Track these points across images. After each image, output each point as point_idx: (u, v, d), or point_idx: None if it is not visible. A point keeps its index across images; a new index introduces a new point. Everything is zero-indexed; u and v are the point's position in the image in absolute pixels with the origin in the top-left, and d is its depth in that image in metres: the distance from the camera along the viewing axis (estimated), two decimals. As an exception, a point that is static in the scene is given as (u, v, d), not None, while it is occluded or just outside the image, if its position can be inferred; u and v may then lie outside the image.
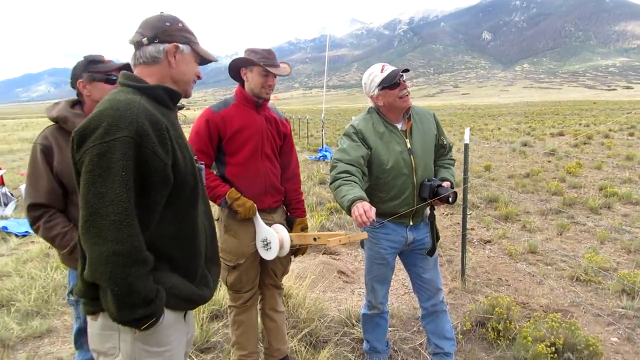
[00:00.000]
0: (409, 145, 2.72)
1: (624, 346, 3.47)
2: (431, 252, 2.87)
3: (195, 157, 1.76)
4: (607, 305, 4.05)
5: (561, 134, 22.58)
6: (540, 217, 7.21)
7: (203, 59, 1.76)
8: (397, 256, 2.97)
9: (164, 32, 1.62)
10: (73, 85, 2.36)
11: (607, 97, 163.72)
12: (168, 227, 1.57)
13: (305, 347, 3.26)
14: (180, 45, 1.65)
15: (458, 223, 6.79)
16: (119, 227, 1.35)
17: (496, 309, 3.52)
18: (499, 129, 27.04)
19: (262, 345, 3.13)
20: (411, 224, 2.80)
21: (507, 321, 3.48)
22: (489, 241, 6.08)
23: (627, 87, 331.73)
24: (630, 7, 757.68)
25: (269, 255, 2.71)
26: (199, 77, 1.77)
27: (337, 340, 3.44)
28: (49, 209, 2.22)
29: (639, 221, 6.78)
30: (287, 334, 3.27)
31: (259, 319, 3.09)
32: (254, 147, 2.73)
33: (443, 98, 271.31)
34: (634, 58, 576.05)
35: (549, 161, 13.38)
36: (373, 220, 2.27)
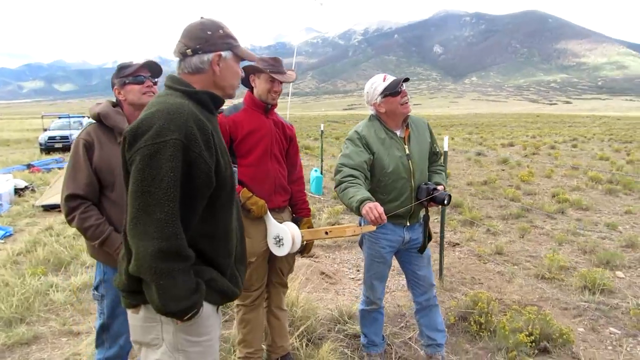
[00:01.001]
0: (407, 151, 2.94)
1: (590, 335, 3.82)
2: (422, 249, 3.09)
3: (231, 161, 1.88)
4: (571, 300, 4.42)
5: (511, 145, 23.76)
6: (502, 221, 7.66)
7: (242, 59, 1.82)
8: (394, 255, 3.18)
9: (207, 42, 1.67)
10: (113, 92, 2.50)
11: (549, 111, 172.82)
12: (205, 226, 1.65)
13: (303, 344, 3.39)
14: (223, 53, 1.70)
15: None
16: (164, 225, 1.42)
17: (478, 304, 3.79)
18: (452, 138, 28.05)
19: (264, 342, 3.23)
20: (408, 224, 3.02)
21: (488, 315, 3.75)
22: (458, 244, 6.42)
23: (567, 102, 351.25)
24: (571, 27, 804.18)
25: (281, 251, 2.83)
26: (240, 77, 1.83)
27: (332, 336, 3.59)
28: (86, 201, 2.30)
29: (590, 225, 7.35)
30: (285, 331, 3.39)
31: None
32: (264, 149, 2.87)
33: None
34: (573, 75, 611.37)
35: (503, 170, 14.10)
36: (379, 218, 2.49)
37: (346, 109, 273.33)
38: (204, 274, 1.64)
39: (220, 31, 1.71)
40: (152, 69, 2.49)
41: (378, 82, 2.94)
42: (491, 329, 3.68)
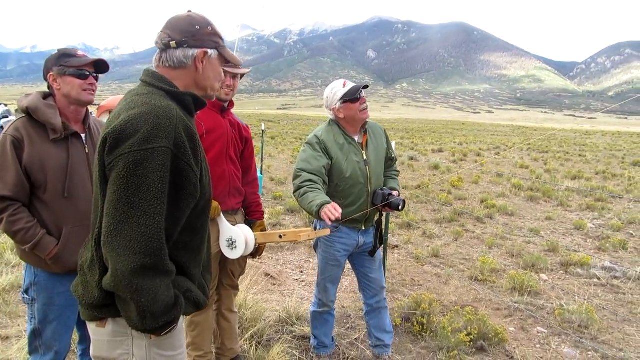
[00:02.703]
0: (365, 157, 3.02)
1: (520, 334, 4.10)
2: (372, 252, 3.17)
3: None
4: (503, 301, 4.72)
5: (440, 150, 24.86)
6: (437, 225, 8.02)
7: (227, 61, 1.73)
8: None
9: (194, 37, 1.57)
10: (45, 77, 2.28)
11: (474, 119, 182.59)
12: (183, 237, 1.57)
13: (253, 346, 3.37)
14: (209, 51, 1.61)
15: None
16: (149, 239, 1.32)
17: (421, 306, 3.94)
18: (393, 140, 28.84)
19: (214, 345, 3.17)
20: (363, 228, 3.10)
21: (430, 316, 3.92)
22: (397, 246, 6.63)
23: (489, 112, 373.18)
24: (494, 40, 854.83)
25: (234, 254, 2.79)
26: (221, 81, 1.76)
27: (281, 338, 3.59)
28: (15, 202, 2.12)
29: (516, 229, 7.87)
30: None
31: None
32: (220, 150, 2.82)
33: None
34: (495, 86, 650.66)
35: (434, 174, 14.74)
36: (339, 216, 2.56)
37: (280, 109, 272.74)
38: (181, 285, 1.56)
39: (209, 28, 1.62)
40: (99, 67, 2.32)
41: (338, 88, 2.98)
42: (432, 329, 3.84)
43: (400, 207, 2.96)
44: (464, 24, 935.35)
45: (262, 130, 10.47)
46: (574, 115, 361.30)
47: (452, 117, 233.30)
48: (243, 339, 3.39)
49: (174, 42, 1.56)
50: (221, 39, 1.67)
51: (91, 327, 1.58)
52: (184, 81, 1.60)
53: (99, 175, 1.42)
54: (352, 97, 2.92)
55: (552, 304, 4.70)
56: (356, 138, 3.05)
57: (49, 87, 2.29)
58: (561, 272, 5.83)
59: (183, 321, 1.68)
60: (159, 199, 1.34)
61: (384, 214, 3.23)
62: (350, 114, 2.96)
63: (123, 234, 1.31)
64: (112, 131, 1.37)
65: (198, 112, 1.70)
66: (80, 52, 2.33)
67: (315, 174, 2.84)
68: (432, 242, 6.88)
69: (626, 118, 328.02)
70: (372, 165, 3.03)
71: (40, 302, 2.25)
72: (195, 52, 1.58)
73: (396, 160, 3.37)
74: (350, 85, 2.98)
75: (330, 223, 2.55)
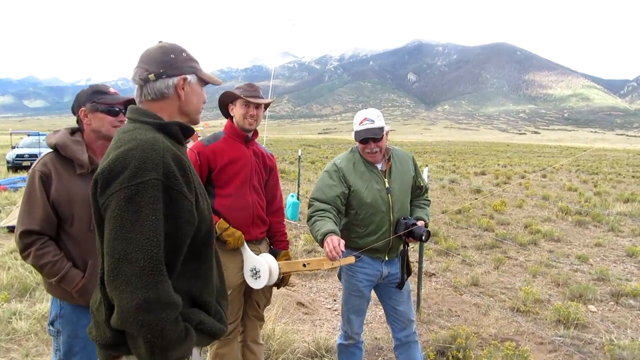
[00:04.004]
0: (387, 185, 2.94)
1: (566, 371, 3.84)
2: (400, 285, 3.05)
3: None
4: (547, 334, 4.45)
5: (483, 173, 24.25)
6: (477, 251, 7.74)
7: (206, 82, 1.74)
8: (373, 289, 3.15)
9: (171, 66, 1.59)
10: (74, 111, 2.36)
11: (519, 141, 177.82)
12: (189, 265, 1.56)
13: (281, 379, 3.30)
14: (188, 77, 1.63)
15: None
16: (149, 273, 1.32)
17: (457, 339, 3.77)
18: (426, 165, 28.47)
19: (240, 377, 3.12)
20: (387, 258, 3.00)
21: (466, 350, 3.74)
22: (434, 274, 6.43)
23: (535, 132, 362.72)
24: (537, 59, 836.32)
25: (258, 284, 2.77)
26: (204, 102, 1.76)
27: (310, 371, 3.51)
28: (42, 236, 2.18)
29: (563, 257, 7.48)
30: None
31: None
32: (244, 180, 2.84)
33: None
34: (541, 105, 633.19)
35: (476, 198, 14.32)
36: (342, 252, 2.54)
37: (321, 133, 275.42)
38: (193, 318, 1.55)
39: (184, 54, 1.64)
40: (128, 104, 2.41)
41: (356, 123, 2.98)
42: (469, 365, 3.65)
43: (423, 238, 2.84)
44: (505, 44, 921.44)
45: (299, 156, 10.54)
46: (626, 135, 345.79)
47: (496, 138, 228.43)
48: (270, 371, 3.33)
49: (153, 74, 1.58)
50: (196, 62, 1.68)
51: None
52: (168, 111, 1.63)
53: (95, 216, 1.45)
54: (359, 139, 2.91)
55: (601, 338, 4.39)
56: (379, 166, 2.99)
57: (78, 122, 2.38)
58: (611, 303, 5.47)
59: (197, 352, 1.64)
60: (155, 231, 1.34)
61: (410, 244, 3.11)
62: (362, 150, 2.98)
63: (123, 271, 1.32)
64: (101, 171, 1.39)
65: (188, 140, 1.72)
66: (112, 90, 2.42)
67: (327, 203, 2.86)
68: (471, 269, 6.62)
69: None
70: (395, 194, 2.95)
71: (65, 334, 2.28)
72: (175, 80, 1.60)
73: (427, 189, 3.26)
74: (365, 126, 2.89)
75: (330, 256, 2.55)
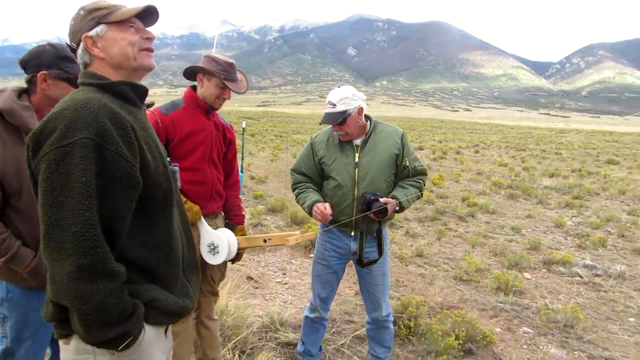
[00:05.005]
0: (356, 159, 2.87)
1: (506, 335, 4.06)
2: (360, 261, 2.91)
3: (169, 159, 1.70)
4: (488, 301, 4.69)
5: (421, 148, 25.00)
6: (419, 224, 7.98)
7: (142, 19, 1.54)
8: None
9: (73, 33, 1.49)
10: (26, 69, 2.04)
11: (452, 117, 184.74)
12: (141, 235, 1.46)
13: (236, 355, 3.24)
14: (91, 32, 1.46)
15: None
16: (81, 238, 1.23)
17: (408, 308, 3.87)
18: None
19: (195, 355, 3.04)
20: (353, 234, 2.93)
21: (417, 318, 3.85)
22: (380, 246, 6.56)
23: (467, 110, 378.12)
24: (472, 39, 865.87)
25: (216, 259, 2.67)
26: (149, 38, 1.54)
27: (265, 345, 3.47)
28: None
29: (498, 228, 7.89)
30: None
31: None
32: (203, 153, 2.69)
33: (309, 107, 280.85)
34: (473, 84, 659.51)
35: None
36: (331, 215, 2.75)
37: (260, 106, 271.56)
38: (145, 294, 1.44)
39: (81, 12, 1.49)
40: None
41: (326, 103, 2.88)
42: (420, 333, 3.77)
43: (383, 214, 2.77)
44: (443, 23, 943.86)
45: (243, 128, 10.30)
46: (549, 114, 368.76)
47: (431, 114, 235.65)
48: (225, 348, 3.26)
49: (71, 49, 1.53)
50: (100, 9, 1.48)
51: (60, 344, 1.46)
52: (106, 73, 1.49)
53: (31, 184, 1.35)
54: (325, 122, 2.85)
55: (537, 303, 4.69)
56: (357, 141, 2.91)
57: (28, 82, 2.07)
58: (544, 270, 5.85)
59: (158, 333, 1.54)
60: (87, 194, 1.25)
61: (381, 221, 3.01)
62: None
63: (55, 237, 1.24)
64: (32, 135, 1.31)
65: (144, 99, 1.59)
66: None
67: (303, 174, 3.00)
68: (415, 241, 6.84)
69: (599, 117, 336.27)
70: (364, 168, 2.85)
71: (13, 319, 2.07)
72: (82, 44, 1.48)
73: (418, 172, 2.95)
74: (327, 109, 2.83)
75: (322, 221, 2.68)
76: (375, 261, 2.93)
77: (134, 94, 1.52)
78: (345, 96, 2.78)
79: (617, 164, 20.92)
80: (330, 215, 2.78)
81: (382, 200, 2.76)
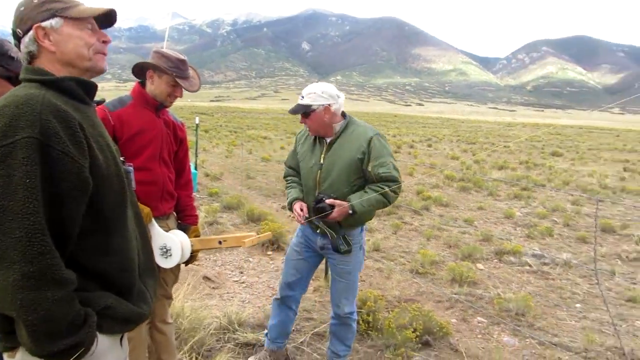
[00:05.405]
0: (321, 160, 2.83)
1: (462, 325, 4.16)
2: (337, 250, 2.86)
3: (122, 159, 1.61)
4: (444, 293, 4.79)
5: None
6: (375, 218, 8.05)
7: (97, 20, 1.48)
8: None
9: (22, 21, 1.39)
10: None
11: (405, 112, 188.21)
12: (93, 238, 1.38)
13: (193, 359, 3.15)
14: (45, 23, 1.38)
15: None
16: (27, 244, 1.16)
17: (367, 303, 3.88)
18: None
19: (149, 360, 2.92)
20: (317, 231, 2.92)
21: (375, 313, 3.87)
22: (338, 241, 6.57)
23: (419, 104, 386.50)
24: (423, 35, 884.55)
25: (168, 263, 2.57)
26: (105, 42, 1.49)
27: (223, 347, 3.39)
28: None
29: (452, 220, 8.09)
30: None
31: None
32: (153, 152, 2.58)
33: (264, 102, 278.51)
34: (425, 79, 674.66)
35: (371, 167, 14.92)
36: (306, 217, 2.84)
37: (213, 101, 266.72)
38: (97, 302, 1.36)
39: (35, 0, 1.40)
40: None
41: None
42: (378, 327, 3.79)
43: (328, 214, 2.72)
44: (395, 19, 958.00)
45: (196, 124, 10.06)
46: (496, 108, 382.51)
47: (384, 109, 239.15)
48: (182, 352, 3.16)
49: (15, 34, 1.42)
50: (60, 2, 1.41)
51: (4, 358, 1.37)
52: (52, 68, 1.41)
53: None
54: (293, 114, 2.87)
55: (490, 293, 4.83)
56: (329, 139, 2.88)
57: None
58: (496, 260, 6.04)
59: (113, 342, 1.46)
60: (31, 197, 1.18)
61: (341, 223, 2.94)
62: None
63: None
64: None
65: (93, 96, 1.51)
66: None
67: (292, 167, 3.12)
68: (372, 235, 6.89)
69: (543, 110, 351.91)
70: (326, 170, 2.81)
71: None
72: (31, 34, 1.38)
73: (383, 179, 2.77)
74: (298, 100, 2.85)
75: (297, 220, 2.86)
76: (348, 251, 2.87)
77: (82, 91, 1.43)
78: (314, 91, 2.77)
79: (560, 156, 21.96)
80: (305, 216, 2.85)
81: (328, 201, 2.72)
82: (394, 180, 2.80)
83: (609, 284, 5.35)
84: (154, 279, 1.69)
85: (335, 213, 2.71)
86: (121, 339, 1.53)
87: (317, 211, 2.75)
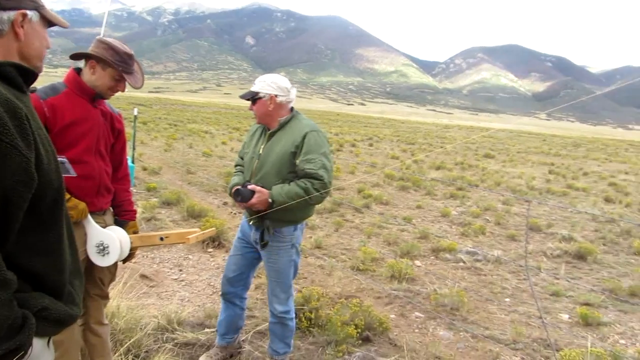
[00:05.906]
0: (260, 151, 2.88)
1: (400, 320, 4.29)
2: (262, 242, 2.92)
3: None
4: (383, 289, 4.90)
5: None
6: (317, 215, 8.11)
7: (51, 24, 1.48)
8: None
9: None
10: None
11: (347, 111, 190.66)
12: (30, 237, 1.30)
13: (129, 360, 3.03)
14: (29, 13, 1.35)
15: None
16: None
17: (312, 302, 3.90)
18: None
19: (82, 364, 2.78)
20: (250, 222, 2.93)
21: (317, 310, 3.90)
22: (280, 238, 6.56)
23: (362, 104, 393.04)
24: (367, 36, 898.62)
25: (106, 260, 2.47)
26: (48, 47, 1.48)
27: (162, 348, 3.29)
28: None
29: (391, 218, 8.30)
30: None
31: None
32: (89, 144, 2.45)
33: (206, 95, 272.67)
34: (367, 79, 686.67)
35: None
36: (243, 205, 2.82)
37: (152, 92, 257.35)
38: (33, 303, 1.28)
39: None
40: None
41: None
42: (320, 324, 3.82)
43: (247, 199, 2.74)
44: (340, 18, 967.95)
45: (135, 116, 9.67)
46: (434, 110, 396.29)
47: (327, 107, 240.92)
48: (117, 354, 3.03)
49: None
50: None
51: None
52: (3, 52, 1.32)
53: None
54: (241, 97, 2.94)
55: (427, 289, 5.00)
56: (270, 131, 2.94)
57: None
58: (432, 257, 6.26)
59: (44, 345, 1.37)
60: None
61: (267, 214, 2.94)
62: None
63: None
64: None
65: (32, 84, 1.41)
66: None
67: (242, 157, 3.14)
68: (314, 233, 6.93)
69: (477, 114, 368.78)
70: (261, 162, 2.86)
71: None
72: (12, 14, 1.30)
73: (310, 176, 2.73)
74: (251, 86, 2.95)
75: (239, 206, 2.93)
76: (264, 245, 2.90)
77: (22, 79, 1.32)
78: (264, 80, 2.89)
79: (492, 158, 23.12)
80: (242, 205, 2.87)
81: (250, 187, 2.77)
82: (318, 179, 2.73)
83: (535, 279, 5.69)
84: (80, 279, 1.60)
85: (254, 199, 2.74)
86: (48, 341, 1.45)
87: (236, 194, 2.81)
